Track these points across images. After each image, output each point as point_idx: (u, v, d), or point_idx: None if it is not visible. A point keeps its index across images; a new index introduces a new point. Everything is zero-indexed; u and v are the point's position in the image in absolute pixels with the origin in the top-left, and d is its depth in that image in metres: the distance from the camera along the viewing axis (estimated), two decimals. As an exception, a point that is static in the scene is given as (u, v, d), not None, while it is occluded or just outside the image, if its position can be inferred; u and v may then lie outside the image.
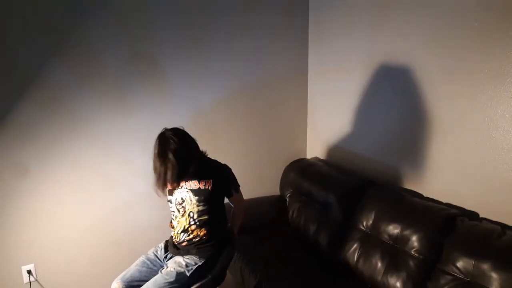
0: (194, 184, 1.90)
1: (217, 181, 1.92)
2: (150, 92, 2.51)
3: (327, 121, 2.89)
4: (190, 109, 2.66)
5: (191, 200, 1.90)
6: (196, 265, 1.86)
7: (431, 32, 1.98)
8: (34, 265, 2.37)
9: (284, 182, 2.92)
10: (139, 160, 2.53)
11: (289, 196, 2.81)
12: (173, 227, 2.00)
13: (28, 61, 2.18)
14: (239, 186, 2.06)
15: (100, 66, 2.34)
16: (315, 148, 3.08)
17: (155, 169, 1.79)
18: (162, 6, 2.44)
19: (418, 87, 2.10)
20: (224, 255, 1.98)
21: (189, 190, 1.90)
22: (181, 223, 1.93)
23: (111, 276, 2.57)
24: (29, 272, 2.35)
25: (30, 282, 2.35)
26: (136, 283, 1.83)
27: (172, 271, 1.80)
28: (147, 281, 1.81)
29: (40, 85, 2.22)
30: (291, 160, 3.00)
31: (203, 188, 1.89)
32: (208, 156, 1.99)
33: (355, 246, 2.11)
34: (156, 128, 2.52)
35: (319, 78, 2.94)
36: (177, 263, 1.85)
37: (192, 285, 1.85)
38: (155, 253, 1.99)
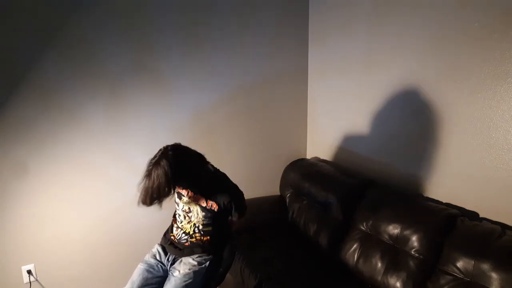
0: (202, 200, 1.86)
1: (223, 206, 1.86)
2: (150, 91, 2.51)
3: (327, 121, 2.89)
4: (190, 109, 2.66)
5: (197, 214, 1.87)
6: (208, 261, 1.86)
7: (431, 32, 1.98)
8: (34, 265, 2.37)
9: (284, 182, 2.92)
10: (139, 160, 2.51)
11: (289, 196, 2.81)
12: (174, 220, 1.99)
13: (28, 61, 2.17)
14: (244, 209, 1.96)
15: (100, 66, 2.34)
16: (315, 148, 3.08)
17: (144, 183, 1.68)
18: (162, 6, 2.44)
19: (418, 87, 2.10)
20: (226, 253, 1.98)
21: (197, 204, 1.87)
22: (185, 228, 1.91)
23: (110, 276, 2.57)
24: (29, 272, 2.34)
25: (30, 282, 2.35)
26: None
27: (188, 272, 1.79)
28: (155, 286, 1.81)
29: (40, 85, 2.21)
30: (291, 160, 2.99)
31: (209, 208, 1.86)
32: (213, 168, 1.90)
33: (355, 246, 2.11)
34: (156, 127, 2.55)
35: (319, 78, 2.94)
36: (190, 264, 1.83)
37: (207, 279, 1.86)
38: (155, 258, 1.92)
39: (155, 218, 2.63)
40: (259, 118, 2.93)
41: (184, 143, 1.97)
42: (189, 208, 1.88)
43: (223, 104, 2.76)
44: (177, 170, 1.65)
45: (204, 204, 1.86)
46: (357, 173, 2.54)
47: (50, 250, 2.39)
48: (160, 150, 1.71)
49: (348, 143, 2.70)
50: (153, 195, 1.65)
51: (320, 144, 3.01)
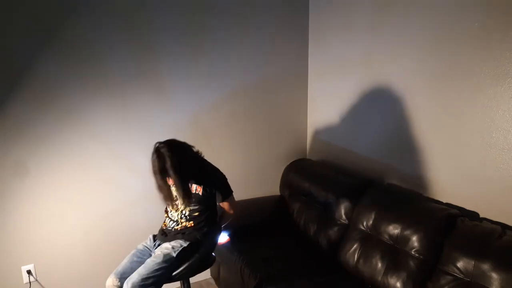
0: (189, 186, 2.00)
1: (207, 187, 2.02)
2: (150, 91, 2.51)
3: (327, 121, 2.89)
4: (190, 109, 2.66)
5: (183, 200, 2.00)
6: (182, 247, 1.95)
7: (431, 32, 1.98)
8: (34, 265, 2.37)
9: (284, 182, 2.92)
10: (139, 160, 2.53)
11: (289, 196, 2.81)
12: (166, 214, 2.12)
13: (28, 61, 2.17)
14: (230, 193, 2.12)
15: (100, 66, 2.34)
16: (315, 148, 3.08)
17: (159, 188, 1.95)
18: (162, 7, 2.44)
19: (418, 87, 2.10)
20: (209, 238, 2.07)
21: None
22: (173, 216, 2.06)
23: (111, 276, 2.55)
24: (29, 272, 2.34)
25: (30, 282, 2.35)
26: (128, 275, 1.87)
27: (159, 254, 1.91)
28: None
29: (40, 85, 2.21)
30: (291, 160, 3.00)
31: (194, 192, 1.99)
32: (203, 156, 2.07)
33: (355, 246, 2.11)
34: (156, 127, 2.55)
35: (319, 78, 2.94)
36: (164, 248, 1.96)
37: (181, 265, 1.94)
38: (145, 244, 2.07)
39: (155, 218, 2.63)
40: (259, 118, 2.93)
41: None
42: (176, 197, 2.00)
43: (223, 104, 2.76)
44: (178, 157, 1.85)
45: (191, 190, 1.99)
46: (357, 173, 2.54)
47: (50, 250, 2.39)
48: (154, 147, 1.91)
49: (348, 143, 2.70)
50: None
51: (320, 144, 3.01)
